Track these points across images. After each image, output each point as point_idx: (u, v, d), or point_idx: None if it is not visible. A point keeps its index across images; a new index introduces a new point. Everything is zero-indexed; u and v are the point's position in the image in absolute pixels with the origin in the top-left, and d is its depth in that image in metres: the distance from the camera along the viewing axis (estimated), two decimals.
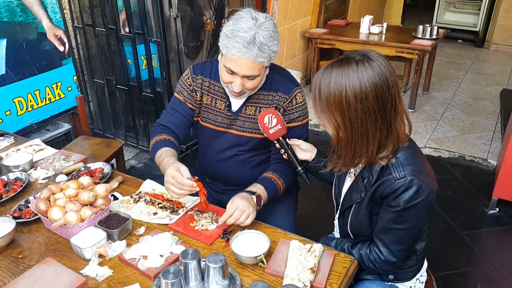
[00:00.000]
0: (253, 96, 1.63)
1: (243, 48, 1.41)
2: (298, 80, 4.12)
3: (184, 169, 1.43)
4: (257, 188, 1.53)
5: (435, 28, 4.29)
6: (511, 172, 2.73)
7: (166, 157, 1.52)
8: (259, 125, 1.52)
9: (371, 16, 4.53)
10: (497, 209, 2.90)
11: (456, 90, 5.06)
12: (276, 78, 1.63)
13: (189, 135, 1.82)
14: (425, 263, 1.52)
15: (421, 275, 1.49)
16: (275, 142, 1.54)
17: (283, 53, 4.50)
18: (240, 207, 1.41)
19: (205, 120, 1.71)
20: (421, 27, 4.30)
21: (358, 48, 4.29)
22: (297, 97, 1.62)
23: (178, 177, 1.39)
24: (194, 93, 1.69)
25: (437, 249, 2.51)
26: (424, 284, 1.51)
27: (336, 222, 1.52)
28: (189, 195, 1.60)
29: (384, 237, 1.30)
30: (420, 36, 4.30)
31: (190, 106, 1.71)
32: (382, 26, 4.49)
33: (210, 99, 1.68)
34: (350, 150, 1.23)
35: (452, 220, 2.80)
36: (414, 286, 1.47)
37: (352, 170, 1.39)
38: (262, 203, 1.51)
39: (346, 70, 1.16)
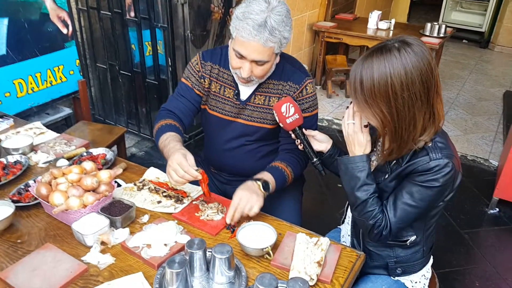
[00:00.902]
0: (262, 85, 1.59)
1: (253, 30, 1.37)
2: None
3: (190, 157, 1.39)
4: (264, 175, 1.50)
5: (443, 26, 4.25)
6: None
7: (172, 142, 1.48)
8: (275, 114, 1.47)
9: (380, 12, 4.50)
10: (497, 209, 2.92)
11: (460, 90, 5.05)
12: (286, 68, 1.59)
13: (193, 124, 1.77)
14: (431, 259, 1.51)
15: (427, 271, 1.48)
16: (291, 132, 1.50)
17: (290, 45, 4.45)
18: (243, 198, 1.38)
19: (213, 108, 1.67)
20: (429, 24, 4.27)
21: (366, 43, 4.32)
22: (307, 87, 1.59)
23: (185, 165, 1.35)
24: (202, 80, 1.65)
25: (437, 247, 2.49)
26: (428, 280, 1.50)
27: (347, 211, 1.51)
28: (194, 184, 1.57)
29: (391, 209, 1.27)
30: (428, 34, 4.28)
31: (198, 92, 1.67)
32: (390, 22, 4.45)
33: (219, 87, 1.64)
34: (397, 139, 1.21)
35: (452, 219, 2.81)
36: (419, 282, 1.46)
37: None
38: (270, 189, 1.48)
39: (389, 58, 1.13)
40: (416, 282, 1.46)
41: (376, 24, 4.45)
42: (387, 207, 1.28)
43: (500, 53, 6.56)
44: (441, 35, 4.23)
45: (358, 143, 1.31)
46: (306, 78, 1.59)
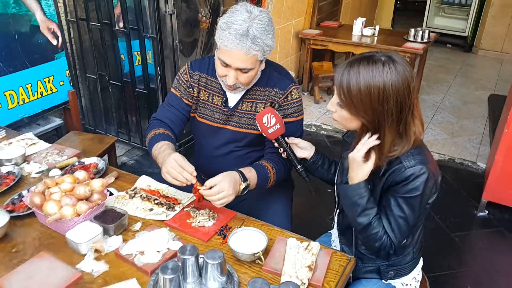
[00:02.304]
0: (249, 92, 1.64)
1: (236, 39, 1.42)
2: None
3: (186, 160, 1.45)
4: (250, 175, 1.52)
5: (426, 31, 4.34)
6: (500, 176, 2.78)
7: (167, 149, 1.52)
8: (258, 124, 1.52)
9: (364, 19, 4.58)
10: (486, 211, 2.95)
11: (445, 94, 5.13)
12: (273, 75, 1.64)
13: (183, 132, 1.83)
14: (421, 261, 1.54)
15: (418, 273, 1.51)
16: (274, 141, 1.55)
17: (276, 53, 4.51)
18: (223, 193, 1.40)
19: (202, 116, 1.72)
20: (412, 30, 4.35)
21: (351, 49, 4.40)
22: (292, 93, 1.64)
23: (181, 161, 1.41)
24: (191, 89, 1.69)
25: (427, 250, 2.52)
26: (419, 283, 1.53)
27: (336, 218, 1.53)
28: (185, 191, 1.60)
29: (385, 222, 1.30)
30: (411, 39, 4.35)
31: (187, 102, 1.71)
32: (375, 29, 4.53)
33: (207, 95, 1.69)
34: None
35: (442, 222, 2.83)
36: (411, 285, 1.49)
37: None
38: (245, 192, 1.50)
39: (374, 69, 1.18)
40: (407, 285, 1.48)
41: (361, 31, 4.52)
42: (385, 227, 1.32)
43: (484, 56, 6.69)
44: (425, 40, 4.32)
45: (362, 173, 1.28)
46: (291, 84, 1.64)
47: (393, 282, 1.47)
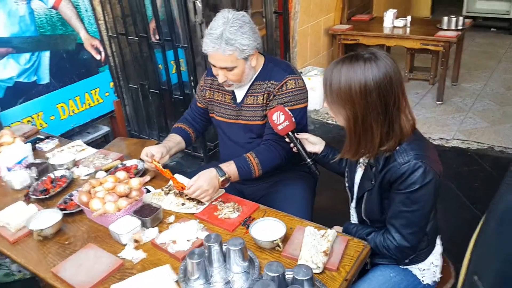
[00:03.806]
0: (251, 86, 1.81)
1: (211, 43, 1.63)
2: (322, 77, 4.20)
3: (155, 149, 1.80)
4: (229, 168, 1.70)
5: (461, 18, 4.24)
6: None
7: (165, 140, 1.93)
8: (269, 121, 1.65)
9: (395, 10, 4.54)
10: None
11: (487, 81, 4.95)
12: (272, 69, 1.79)
13: (207, 128, 2.13)
14: (439, 248, 1.55)
15: (436, 259, 1.52)
16: (285, 136, 1.67)
17: (306, 51, 4.58)
18: (200, 189, 1.61)
19: (218, 114, 1.92)
20: (445, 18, 4.26)
21: (383, 42, 4.39)
22: (288, 83, 1.75)
23: (144, 151, 1.78)
24: (203, 93, 1.95)
25: (465, 240, 2.51)
26: (439, 268, 1.54)
27: (352, 211, 1.60)
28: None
29: (396, 221, 1.37)
30: (445, 27, 4.26)
31: (199, 104, 2.01)
32: (406, 19, 4.48)
33: (221, 95, 1.90)
34: (355, 140, 1.33)
35: (479, 211, 2.76)
36: (429, 269, 1.50)
37: (361, 160, 1.48)
38: (228, 183, 1.70)
39: (355, 66, 1.26)
40: (424, 270, 1.50)
41: (392, 22, 4.49)
42: (388, 228, 1.39)
43: None
44: (459, 27, 4.22)
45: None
46: (287, 76, 1.75)
47: (410, 267, 1.50)
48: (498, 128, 3.89)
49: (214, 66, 1.71)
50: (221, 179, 1.65)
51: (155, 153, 1.78)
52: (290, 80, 1.75)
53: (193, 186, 1.62)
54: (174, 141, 1.93)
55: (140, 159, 1.86)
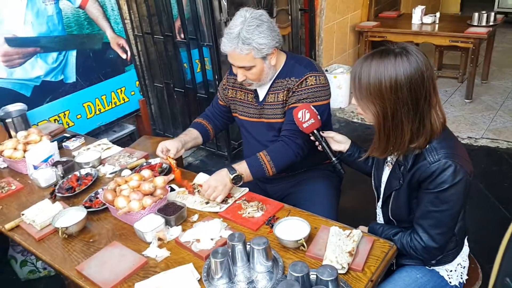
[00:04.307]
0: (273, 84, 1.79)
1: (228, 43, 1.63)
2: (348, 75, 4.14)
3: (171, 144, 1.81)
4: (240, 166, 1.69)
5: (492, 14, 4.11)
6: None
7: (182, 134, 1.94)
8: (294, 119, 1.63)
9: (423, 6, 4.44)
10: None
11: None
12: (293, 66, 1.77)
13: (227, 125, 2.13)
14: (466, 249, 1.53)
15: (463, 260, 1.50)
16: (310, 134, 1.64)
17: (332, 48, 4.53)
18: (210, 188, 1.63)
19: (241, 113, 1.91)
20: (476, 14, 4.15)
21: (411, 39, 4.31)
22: (308, 80, 1.72)
23: (160, 146, 1.79)
24: (226, 91, 1.94)
25: (495, 241, 2.45)
26: (466, 269, 1.52)
27: (378, 210, 1.57)
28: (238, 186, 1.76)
29: (424, 221, 1.33)
30: (475, 23, 4.15)
31: (221, 102, 2.01)
32: (435, 16, 4.38)
33: (243, 94, 1.88)
34: (384, 137, 1.30)
35: (508, 212, 2.71)
36: (455, 270, 1.48)
37: (389, 159, 1.45)
38: (243, 180, 1.68)
39: (385, 61, 1.23)
40: (451, 271, 1.47)
41: (421, 18, 4.39)
42: (415, 228, 1.36)
43: None
44: (491, 23, 4.09)
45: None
46: (308, 72, 1.73)
47: (436, 268, 1.47)
48: None
49: (233, 65, 1.71)
50: (232, 176, 1.64)
51: (170, 148, 1.80)
52: (311, 76, 1.73)
53: (204, 185, 1.66)
54: (191, 135, 1.94)
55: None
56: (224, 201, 1.68)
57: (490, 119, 3.98)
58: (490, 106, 4.22)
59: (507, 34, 6.21)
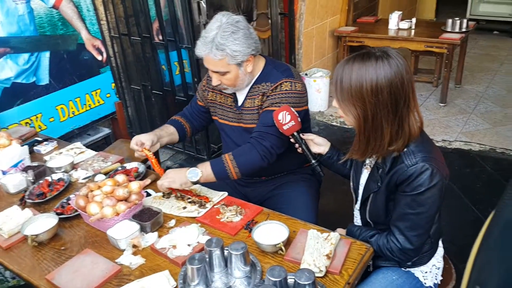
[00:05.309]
0: (251, 89, 1.78)
1: (202, 46, 1.62)
2: (327, 79, 4.17)
3: (144, 137, 1.78)
4: (204, 164, 1.69)
5: (465, 21, 4.22)
6: None
7: (158, 129, 1.91)
8: (274, 121, 1.61)
9: (400, 12, 4.51)
10: None
11: (489, 83, 4.93)
12: (270, 72, 1.75)
13: (204, 125, 2.09)
14: (441, 250, 1.55)
15: (438, 261, 1.52)
16: (290, 137, 1.63)
17: (312, 53, 4.56)
18: (167, 178, 1.65)
19: (221, 117, 1.89)
20: (450, 20, 4.25)
21: (388, 44, 4.37)
22: (283, 85, 1.70)
23: (134, 139, 1.78)
24: (205, 93, 1.92)
25: (466, 243, 2.49)
26: (441, 270, 1.54)
27: (356, 212, 1.58)
28: (215, 190, 1.73)
29: (400, 223, 1.35)
30: (449, 30, 4.24)
31: (199, 102, 1.99)
32: (411, 22, 4.46)
33: (223, 98, 1.86)
34: (364, 139, 1.31)
35: (481, 213, 2.77)
36: (430, 272, 1.50)
37: (367, 161, 1.46)
38: (200, 177, 1.65)
39: (367, 64, 1.24)
40: (426, 272, 1.49)
41: (397, 24, 4.46)
42: (392, 230, 1.37)
43: None
44: (463, 29, 4.20)
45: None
46: (284, 78, 1.71)
47: (412, 270, 1.49)
48: (500, 130, 3.88)
49: (208, 69, 1.70)
50: (188, 170, 1.64)
51: (145, 141, 1.76)
52: (286, 82, 1.71)
53: (164, 175, 1.68)
54: (167, 131, 1.91)
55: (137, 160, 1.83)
56: (202, 205, 1.65)
57: (463, 122, 4.07)
58: (463, 109, 4.32)
59: (478, 40, 6.39)
